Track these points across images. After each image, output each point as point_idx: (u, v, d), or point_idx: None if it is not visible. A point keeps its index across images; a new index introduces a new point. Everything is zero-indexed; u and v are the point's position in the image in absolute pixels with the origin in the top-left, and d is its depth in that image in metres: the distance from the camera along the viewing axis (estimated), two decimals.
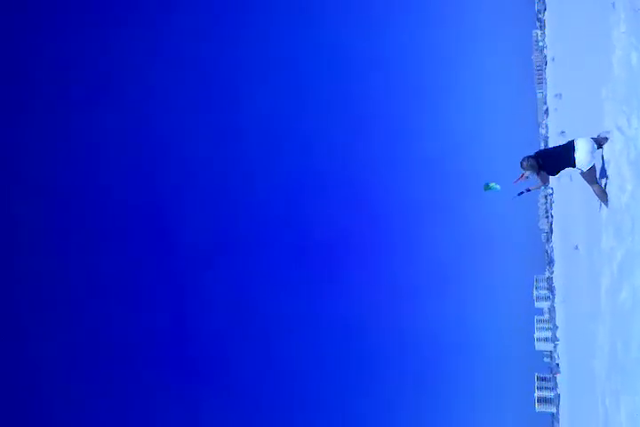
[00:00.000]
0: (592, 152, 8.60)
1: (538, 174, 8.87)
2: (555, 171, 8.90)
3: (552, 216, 78.58)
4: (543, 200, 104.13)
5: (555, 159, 8.77)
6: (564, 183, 30.69)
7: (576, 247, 22.03)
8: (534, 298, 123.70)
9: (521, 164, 8.82)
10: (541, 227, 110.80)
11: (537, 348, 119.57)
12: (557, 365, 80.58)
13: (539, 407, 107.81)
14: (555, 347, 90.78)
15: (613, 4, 9.78)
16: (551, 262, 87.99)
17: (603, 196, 9.30)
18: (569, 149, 8.63)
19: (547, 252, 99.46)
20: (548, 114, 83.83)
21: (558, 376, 76.00)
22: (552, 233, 79.46)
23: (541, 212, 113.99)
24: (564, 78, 39.54)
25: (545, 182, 9.10)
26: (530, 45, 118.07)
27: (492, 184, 9.71)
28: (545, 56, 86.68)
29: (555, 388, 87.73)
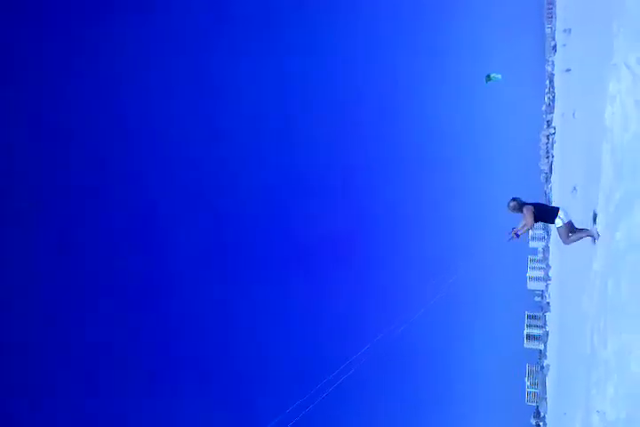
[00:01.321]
0: (566, 217, 9.64)
1: (521, 212, 9.70)
2: (536, 220, 9.82)
3: (553, 156, 78.18)
4: (545, 140, 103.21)
5: (540, 213, 9.73)
6: (568, 120, 30.28)
7: (574, 189, 21.92)
8: (529, 238, 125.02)
9: (507, 204, 9.79)
10: (542, 167, 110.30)
11: (529, 287, 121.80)
12: (548, 304, 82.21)
13: (527, 344, 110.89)
14: (546, 286, 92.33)
15: None
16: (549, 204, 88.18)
17: (580, 238, 9.97)
18: (553, 213, 9.75)
19: (545, 193, 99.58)
20: (555, 50, 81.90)
21: (548, 315, 77.76)
22: (552, 173, 79.23)
23: (542, 151, 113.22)
24: (575, 13, 38.39)
25: (529, 225, 9.69)
26: None
27: (492, 75, 9.76)
28: None
29: (544, 326, 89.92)
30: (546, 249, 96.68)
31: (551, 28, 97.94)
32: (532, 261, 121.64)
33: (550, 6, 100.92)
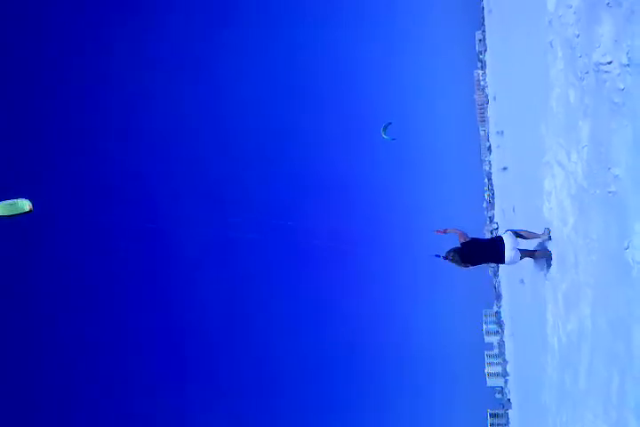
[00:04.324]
0: (515, 248, 8.80)
1: (461, 266, 8.98)
2: (476, 262, 9.01)
3: (497, 266, 79.84)
4: (489, 235, 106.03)
5: (481, 252, 8.91)
6: (508, 215, 31.37)
7: (521, 281, 22.28)
8: (484, 333, 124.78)
9: (447, 254, 8.88)
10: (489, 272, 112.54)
11: (488, 384, 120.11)
12: (509, 400, 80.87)
13: None
14: (505, 382, 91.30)
15: (551, 43, 10.11)
16: (499, 297, 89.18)
17: (545, 254, 9.48)
18: (496, 243, 8.84)
19: (494, 286, 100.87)
20: (490, 151, 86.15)
21: (510, 412, 76.17)
22: (498, 267, 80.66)
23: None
24: (506, 116, 40.80)
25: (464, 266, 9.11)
26: (472, 85, 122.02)
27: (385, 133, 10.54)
28: (487, 95, 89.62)
29: (507, 424, 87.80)
30: (501, 344, 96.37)
31: (485, 130, 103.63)
32: (488, 356, 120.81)
33: (482, 110, 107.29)
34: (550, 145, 10.46)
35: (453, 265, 9.03)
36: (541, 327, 11.33)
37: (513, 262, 8.99)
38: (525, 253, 9.29)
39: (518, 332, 30.24)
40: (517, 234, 9.12)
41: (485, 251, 8.92)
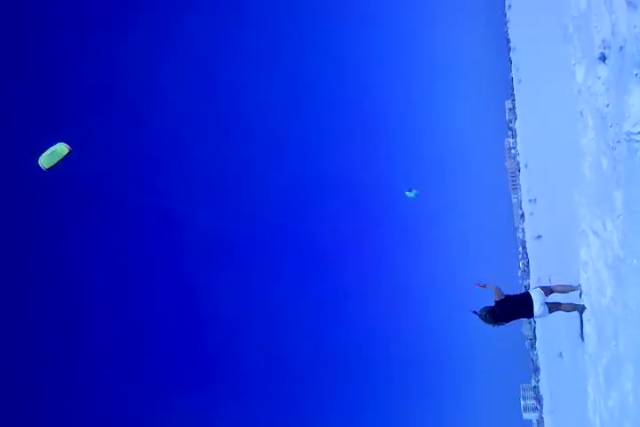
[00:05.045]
0: (543, 303, 9.35)
1: (493, 325, 9.50)
2: (508, 319, 9.47)
3: (534, 321, 77.88)
4: None
5: (512, 308, 9.39)
6: (544, 282, 30.62)
7: (560, 354, 21.54)
8: (522, 409, 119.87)
9: (481, 313, 9.36)
10: (525, 333, 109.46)
11: None
12: None
13: None
14: None
15: (581, 112, 10.15)
16: (537, 370, 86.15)
17: (574, 308, 9.84)
18: (526, 299, 9.36)
19: (532, 359, 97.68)
20: (524, 219, 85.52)
21: None
22: (535, 339, 78.38)
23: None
24: (538, 184, 40.70)
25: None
26: (503, 153, 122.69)
27: (410, 193, 10.56)
28: (518, 163, 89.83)
29: None
30: (540, 421, 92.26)
31: (517, 197, 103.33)
32: None
33: (514, 177, 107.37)
34: (584, 214, 10.33)
35: (484, 323, 9.49)
36: (582, 403, 10.85)
37: (542, 316, 9.46)
38: (555, 307, 9.60)
39: (558, 408, 28.99)
40: (550, 289, 9.70)
41: (516, 306, 9.39)
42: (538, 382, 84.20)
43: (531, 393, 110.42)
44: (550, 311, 9.40)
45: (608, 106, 7.58)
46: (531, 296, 9.35)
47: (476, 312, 9.34)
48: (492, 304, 9.44)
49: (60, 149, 10.94)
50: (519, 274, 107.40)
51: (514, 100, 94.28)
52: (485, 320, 9.34)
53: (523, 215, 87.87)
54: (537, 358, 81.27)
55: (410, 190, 11.83)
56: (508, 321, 9.49)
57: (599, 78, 8.05)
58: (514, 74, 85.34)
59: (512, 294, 9.74)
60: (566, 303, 9.82)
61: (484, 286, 9.61)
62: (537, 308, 9.23)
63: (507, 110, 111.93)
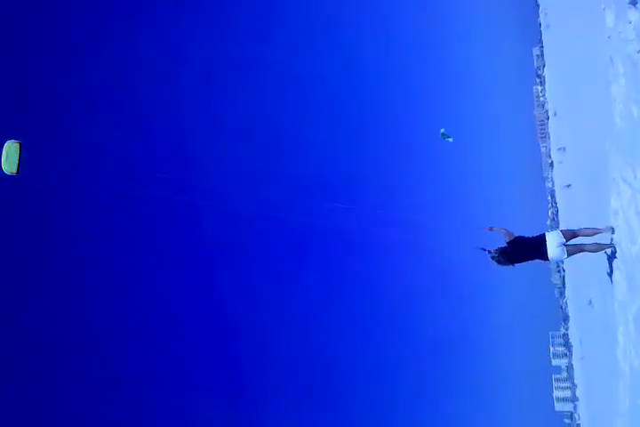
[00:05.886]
0: (560, 244, 8.80)
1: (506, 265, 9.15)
2: (520, 260, 9.10)
3: (564, 270, 77.69)
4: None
5: (524, 250, 8.98)
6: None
7: (590, 302, 21.59)
8: (551, 355, 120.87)
9: (494, 253, 9.06)
10: (554, 282, 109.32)
11: (556, 408, 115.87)
12: (579, 426, 77.84)
13: None
14: (575, 407, 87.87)
15: (611, 59, 9.91)
16: (566, 318, 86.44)
17: (600, 247, 9.32)
18: (540, 242, 8.87)
19: (561, 307, 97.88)
20: (553, 167, 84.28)
21: None
22: (565, 288, 78.35)
23: (553, 265, 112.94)
24: (567, 132, 39.94)
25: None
26: (531, 101, 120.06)
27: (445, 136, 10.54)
28: (546, 111, 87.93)
29: None
30: (570, 367, 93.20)
31: (546, 146, 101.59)
32: (556, 380, 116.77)
33: (542, 126, 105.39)
34: (615, 162, 10.20)
35: (496, 264, 9.17)
36: (612, 351, 10.95)
37: (558, 258, 9.07)
38: (577, 249, 9.06)
39: (588, 355, 29.24)
40: (572, 232, 9.09)
41: (529, 248, 8.97)
42: (567, 329, 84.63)
43: (560, 341, 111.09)
44: (569, 254, 8.94)
45: (639, 52, 7.40)
46: (545, 238, 8.91)
47: (484, 249, 9.08)
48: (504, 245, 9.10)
49: (10, 147, 10.20)
50: (548, 223, 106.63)
51: (542, 47, 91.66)
52: (498, 261, 9.05)
53: (552, 164, 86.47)
54: (566, 307, 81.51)
55: (446, 135, 11.53)
56: (520, 262, 9.13)
57: (630, 23, 7.83)
58: (542, 19, 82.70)
59: (526, 235, 9.33)
60: (591, 244, 9.31)
61: (491, 229, 9.20)
62: (551, 250, 8.75)
63: (535, 57, 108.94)
